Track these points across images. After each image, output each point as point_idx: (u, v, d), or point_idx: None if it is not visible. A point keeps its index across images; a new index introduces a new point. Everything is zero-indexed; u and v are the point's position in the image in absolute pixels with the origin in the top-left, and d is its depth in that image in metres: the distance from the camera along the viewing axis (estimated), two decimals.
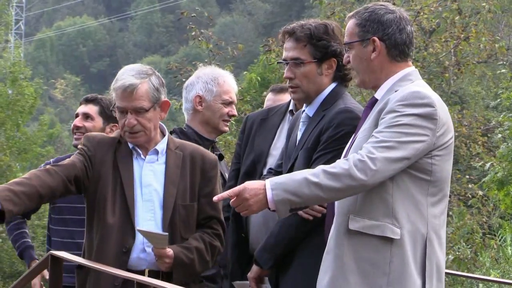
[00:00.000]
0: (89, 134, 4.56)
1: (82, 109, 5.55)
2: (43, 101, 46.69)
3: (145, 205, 4.40)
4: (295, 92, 4.48)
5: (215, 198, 3.78)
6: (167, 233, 4.29)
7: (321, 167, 3.62)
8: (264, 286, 4.52)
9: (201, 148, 4.64)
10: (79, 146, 4.47)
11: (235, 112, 5.22)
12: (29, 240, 5.60)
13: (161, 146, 4.49)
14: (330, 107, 4.39)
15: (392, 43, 3.86)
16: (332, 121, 4.27)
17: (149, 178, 4.44)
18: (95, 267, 4.26)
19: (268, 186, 3.62)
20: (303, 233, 4.32)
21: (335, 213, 3.79)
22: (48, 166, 4.30)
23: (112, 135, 4.58)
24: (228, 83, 5.21)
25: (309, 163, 4.32)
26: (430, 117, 3.67)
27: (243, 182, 4.59)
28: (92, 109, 5.53)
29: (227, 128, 5.25)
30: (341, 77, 4.45)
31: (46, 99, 52.76)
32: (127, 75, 4.39)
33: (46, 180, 4.20)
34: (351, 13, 3.99)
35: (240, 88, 13.64)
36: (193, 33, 13.80)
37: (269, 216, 4.58)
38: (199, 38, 13.76)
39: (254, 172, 4.80)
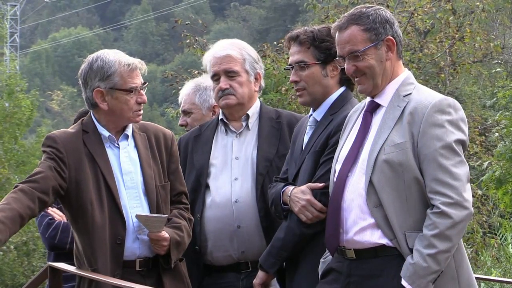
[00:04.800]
0: (51, 134, 4.48)
1: None
2: (40, 113, 46.65)
3: (129, 192, 4.43)
4: (302, 96, 4.52)
5: None
6: (166, 215, 4.37)
7: (424, 234, 3.68)
8: None
9: (159, 126, 4.73)
10: (48, 150, 4.39)
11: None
12: None
13: (129, 130, 4.54)
14: (338, 111, 4.42)
15: (400, 39, 3.92)
16: (341, 125, 4.26)
17: (128, 165, 4.46)
18: (93, 277, 4.26)
19: (406, 284, 3.68)
20: (308, 236, 4.34)
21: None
22: (21, 186, 4.22)
23: (72, 129, 4.53)
24: None
25: (316, 167, 4.35)
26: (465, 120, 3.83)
27: (190, 199, 4.70)
28: None
29: None
30: (347, 79, 4.43)
31: (43, 111, 52.71)
32: None
33: (24, 201, 4.15)
34: (343, 23, 3.94)
35: None
36: (188, 41, 13.78)
37: (227, 222, 4.72)
38: (194, 46, 13.73)
39: (199, 186, 4.84)
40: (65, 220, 5.38)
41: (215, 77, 4.89)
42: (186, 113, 5.59)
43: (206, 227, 4.77)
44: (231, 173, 4.81)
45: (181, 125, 5.61)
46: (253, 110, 4.92)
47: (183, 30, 14.27)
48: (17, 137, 25.46)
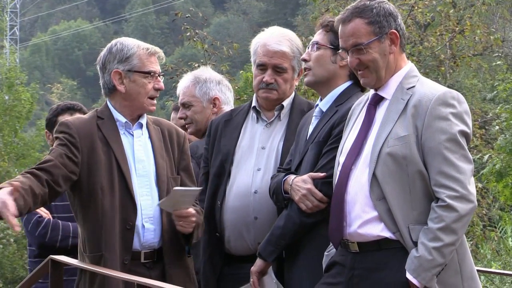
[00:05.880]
0: (64, 121, 4.50)
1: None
2: (40, 106, 46.63)
3: (140, 180, 4.46)
4: (307, 75, 4.58)
5: None
6: (200, 187, 4.49)
7: (429, 227, 3.67)
8: (267, 277, 4.54)
9: (171, 123, 4.81)
10: (60, 135, 4.41)
11: None
12: None
13: (144, 120, 4.59)
14: (343, 103, 4.45)
15: (403, 32, 3.93)
16: (345, 116, 4.28)
17: (141, 153, 4.50)
18: (96, 271, 4.26)
19: (411, 277, 3.67)
20: (307, 225, 4.35)
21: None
22: (30, 170, 4.22)
23: (86, 116, 4.57)
24: None
25: (319, 156, 4.36)
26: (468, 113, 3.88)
27: (214, 184, 4.74)
28: None
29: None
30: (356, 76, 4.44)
31: (43, 104, 52.67)
32: None
33: (34, 181, 4.14)
34: (346, 15, 3.93)
35: (236, 87, 13.61)
36: (188, 34, 13.75)
37: (244, 213, 4.72)
38: (194, 39, 13.70)
39: (223, 172, 4.85)
40: (52, 218, 5.35)
41: (261, 67, 4.88)
42: (185, 106, 5.57)
43: (224, 215, 4.78)
44: (254, 163, 4.82)
45: (180, 118, 5.60)
46: (287, 101, 4.93)
47: (183, 23, 14.24)
48: (17, 130, 25.47)
